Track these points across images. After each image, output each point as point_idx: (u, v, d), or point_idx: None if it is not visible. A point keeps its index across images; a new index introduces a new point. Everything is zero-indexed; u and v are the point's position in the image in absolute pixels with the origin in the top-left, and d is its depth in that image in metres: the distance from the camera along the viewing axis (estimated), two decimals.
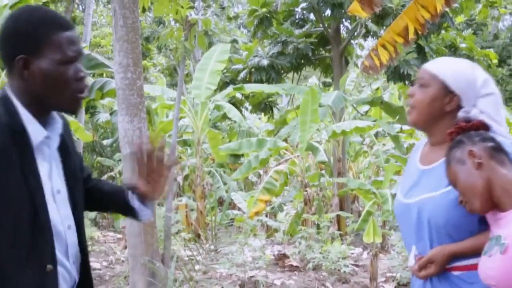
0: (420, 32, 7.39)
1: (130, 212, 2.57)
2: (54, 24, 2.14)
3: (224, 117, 13.45)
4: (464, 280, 2.44)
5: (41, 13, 2.17)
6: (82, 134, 11.14)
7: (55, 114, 2.27)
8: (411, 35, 7.27)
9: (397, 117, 12.27)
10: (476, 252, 2.34)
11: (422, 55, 13.55)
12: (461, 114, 2.54)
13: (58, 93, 2.15)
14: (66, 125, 2.37)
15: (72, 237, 2.25)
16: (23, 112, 2.12)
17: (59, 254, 2.17)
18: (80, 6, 24.45)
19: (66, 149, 2.31)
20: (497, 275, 2.16)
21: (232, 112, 12.01)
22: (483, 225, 2.40)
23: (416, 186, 2.63)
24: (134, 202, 2.52)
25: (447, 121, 2.56)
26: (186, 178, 14.33)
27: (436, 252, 2.46)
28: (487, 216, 2.34)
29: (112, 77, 9.28)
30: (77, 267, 2.31)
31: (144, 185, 2.48)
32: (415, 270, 2.52)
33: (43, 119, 2.19)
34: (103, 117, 15.79)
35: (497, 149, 2.30)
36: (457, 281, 2.47)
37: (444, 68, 2.58)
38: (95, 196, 2.60)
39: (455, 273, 2.48)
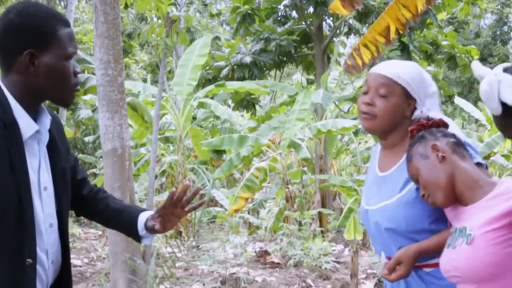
0: (401, 32, 7.42)
1: (131, 233, 2.58)
2: (59, 20, 2.17)
3: (211, 115, 13.44)
4: (435, 276, 2.47)
5: (46, 9, 2.20)
6: None
7: (44, 108, 2.28)
8: (393, 35, 7.29)
9: None
10: (442, 248, 2.37)
11: (406, 52, 13.62)
12: (417, 114, 2.59)
13: (59, 87, 2.18)
14: (57, 124, 2.38)
15: (52, 236, 2.25)
16: (15, 105, 2.13)
17: (39, 251, 2.17)
18: (62, 2, 24.33)
19: (55, 146, 2.31)
20: (462, 265, 2.20)
21: (219, 109, 11.98)
22: (442, 224, 2.44)
23: (376, 193, 2.66)
24: (142, 227, 2.53)
25: (404, 125, 2.60)
26: (165, 174, 14.30)
27: (402, 253, 2.49)
28: (446, 211, 2.39)
29: (94, 74, 9.26)
30: (55, 268, 2.31)
31: (161, 219, 2.50)
32: (385, 274, 2.54)
33: (34, 112, 2.20)
34: (84, 113, 15.71)
35: (459, 144, 2.37)
36: (428, 278, 2.51)
37: (402, 73, 2.59)
38: (97, 207, 2.60)
39: (427, 270, 2.51)
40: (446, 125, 2.46)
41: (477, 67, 1.85)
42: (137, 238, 2.57)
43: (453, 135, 2.40)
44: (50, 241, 2.24)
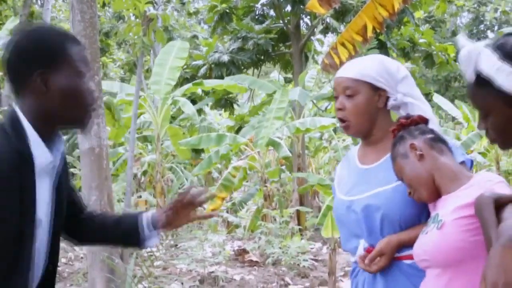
0: (378, 30, 7.46)
1: (134, 236, 2.51)
2: (69, 39, 2.13)
3: (181, 112, 13.42)
4: (415, 268, 2.48)
5: (54, 29, 2.17)
6: None
7: (60, 133, 2.21)
8: (370, 33, 7.33)
9: None
10: None
11: (384, 50, 13.68)
12: (391, 103, 2.63)
13: (75, 107, 2.12)
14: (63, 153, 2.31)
15: (41, 260, 2.19)
16: (31, 134, 2.05)
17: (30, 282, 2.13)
18: (39, 1, 24.15)
19: (64, 176, 2.27)
20: (430, 249, 2.29)
21: (187, 106, 11.95)
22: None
23: (359, 184, 2.66)
24: (148, 224, 2.49)
25: (382, 116, 2.64)
26: (145, 173, 14.27)
27: (385, 244, 2.50)
28: (429, 204, 2.44)
29: None
30: None
31: (168, 216, 2.49)
32: (366, 265, 2.55)
33: (50, 141, 2.13)
34: None
35: (436, 140, 2.43)
36: (408, 270, 2.51)
37: (363, 69, 2.61)
38: (94, 225, 2.55)
39: (407, 261, 2.52)
40: (425, 121, 2.52)
41: (462, 39, 1.91)
42: (140, 241, 2.51)
43: (431, 131, 2.47)
44: (38, 267, 2.18)
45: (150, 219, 2.49)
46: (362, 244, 2.61)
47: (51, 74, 2.06)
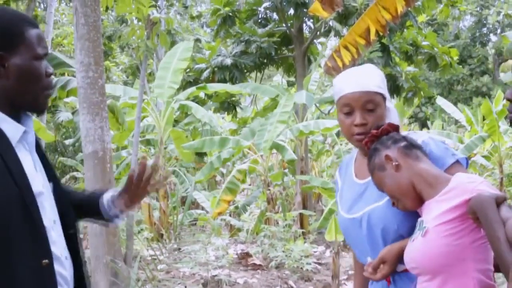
0: (381, 33, 7.46)
1: (97, 216, 2.60)
2: (26, 21, 2.16)
3: (184, 116, 13.42)
4: None
5: (12, 12, 2.20)
6: (43, 134, 11.01)
7: (28, 114, 2.26)
8: (373, 36, 7.33)
9: None
10: None
11: (387, 54, 13.67)
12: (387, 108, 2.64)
13: (31, 90, 2.16)
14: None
15: (59, 231, 2.24)
16: None
17: (54, 250, 2.16)
18: (42, 5, 24.20)
19: (40, 146, 2.31)
20: (417, 256, 2.32)
21: (200, 112, 11.95)
22: None
23: (359, 200, 2.66)
24: (108, 207, 2.54)
25: None
26: None
27: (386, 252, 2.50)
28: (418, 210, 2.44)
29: (74, 76, 9.23)
30: (70, 263, 2.30)
31: (128, 196, 2.54)
32: (370, 273, 2.55)
33: (17, 117, 2.18)
34: (64, 116, 15.63)
35: (410, 147, 2.43)
36: (416, 276, 2.51)
37: (376, 81, 2.60)
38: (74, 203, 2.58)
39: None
40: (396, 128, 2.51)
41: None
42: (105, 220, 2.60)
43: (404, 138, 2.46)
44: (57, 237, 2.22)
45: (110, 201, 2.55)
46: (369, 261, 2.62)
47: (9, 56, 2.10)
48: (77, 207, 2.55)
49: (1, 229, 2.02)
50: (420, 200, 2.38)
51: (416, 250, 2.32)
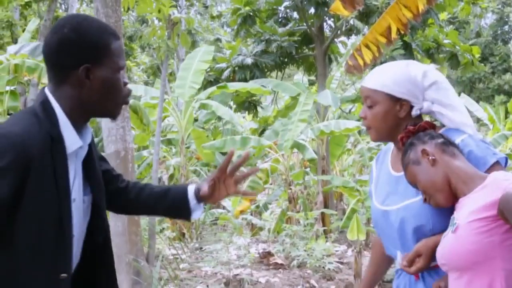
0: (402, 32, 7.43)
1: (181, 208, 2.62)
2: (110, 33, 2.20)
3: (212, 116, 13.45)
4: None
5: (97, 23, 2.22)
6: None
7: (88, 124, 2.30)
8: (394, 35, 7.31)
9: None
10: None
11: (409, 51, 13.62)
12: (414, 113, 2.58)
13: (111, 100, 2.21)
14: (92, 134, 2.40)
15: (77, 245, 2.26)
16: (62, 119, 2.14)
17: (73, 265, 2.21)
18: (63, 6, 24.35)
19: (91, 158, 2.33)
20: (446, 252, 2.30)
21: (221, 110, 11.97)
22: None
23: (394, 193, 2.65)
24: (193, 197, 2.59)
25: (405, 126, 2.57)
26: (171, 177, 14.31)
27: (422, 245, 2.47)
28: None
29: None
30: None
31: (213, 184, 2.58)
32: (405, 266, 2.53)
33: (80, 127, 2.22)
34: None
35: (447, 144, 2.41)
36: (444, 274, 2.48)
37: (381, 79, 2.58)
38: (141, 195, 2.64)
39: None
40: (433, 126, 2.50)
41: None
42: (187, 213, 2.62)
43: (441, 136, 2.44)
44: (76, 250, 2.26)
45: (193, 192, 2.59)
46: (399, 255, 2.60)
47: (95, 68, 2.14)
48: (158, 197, 2.62)
49: (31, 235, 2.04)
50: (454, 197, 2.36)
51: (446, 247, 2.30)
